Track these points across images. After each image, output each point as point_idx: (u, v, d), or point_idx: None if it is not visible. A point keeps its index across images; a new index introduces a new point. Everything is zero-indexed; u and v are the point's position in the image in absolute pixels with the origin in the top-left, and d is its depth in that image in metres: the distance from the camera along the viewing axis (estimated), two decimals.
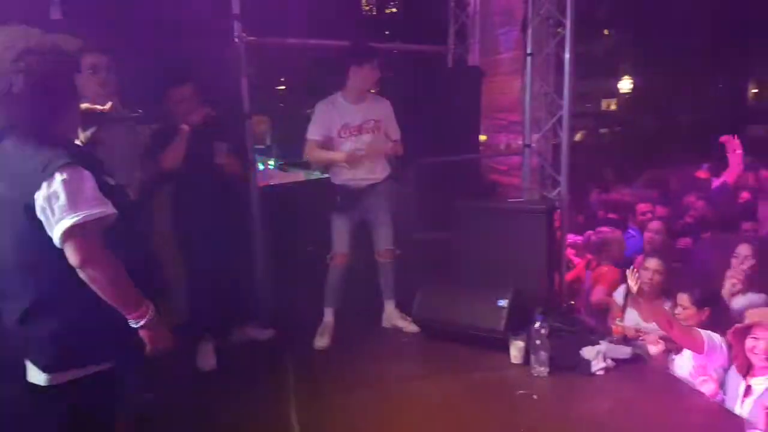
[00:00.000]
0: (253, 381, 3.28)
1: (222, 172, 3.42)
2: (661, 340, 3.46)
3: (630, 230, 5.19)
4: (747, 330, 2.88)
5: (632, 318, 3.78)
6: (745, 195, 5.79)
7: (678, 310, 3.36)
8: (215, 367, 3.45)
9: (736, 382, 2.90)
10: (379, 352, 3.65)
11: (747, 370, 2.86)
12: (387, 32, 5.42)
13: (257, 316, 3.94)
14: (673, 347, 3.39)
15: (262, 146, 5.50)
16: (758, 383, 2.79)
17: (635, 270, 3.38)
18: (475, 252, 3.94)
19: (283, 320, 3.99)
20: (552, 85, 4.27)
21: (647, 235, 4.63)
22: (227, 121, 3.60)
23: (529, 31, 4.20)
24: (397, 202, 3.92)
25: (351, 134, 3.68)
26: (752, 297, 3.47)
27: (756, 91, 25.72)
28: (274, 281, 4.20)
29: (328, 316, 3.82)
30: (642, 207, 5.40)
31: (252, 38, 4.10)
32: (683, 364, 3.26)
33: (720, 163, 7.69)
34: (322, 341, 3.71)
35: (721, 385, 3.02)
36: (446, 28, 5.37)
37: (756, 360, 2.81)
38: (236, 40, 4.00)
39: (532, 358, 3.23)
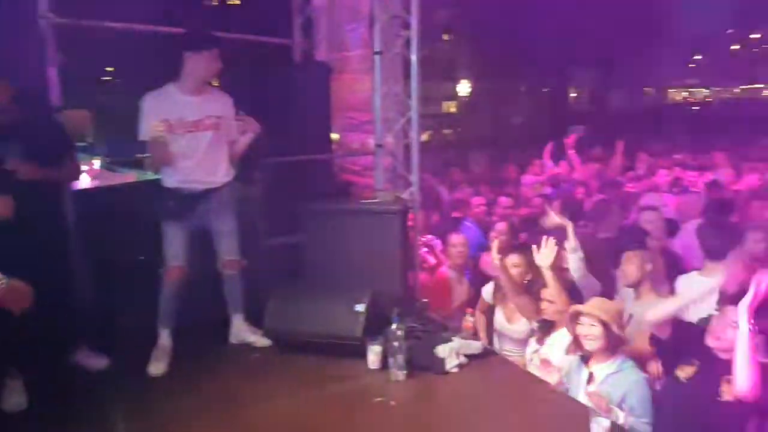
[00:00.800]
0: (74, 422, 2.79)
1: (17, 180, 2.85)
2: None
3: (465, 222, 5.39)
4: (576, 316, 3.05)
5: (498, 319, 3.86)
6: (580, 191, 6.35)
7: (544, 304, 3.44)
8: (24, 407, 2.89)
9: (579, 371, 3.06)
10: (227, 372, 3.34)
11: (587, 357, 3.04)
12: (228, 23, 5.06)
13: (85, 342, 3.38)
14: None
15: (83, 144, 4.79)
16: (599, 370, 2.97)
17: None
18: (329, 256, 3.79)
19: (116, 344, 3.47)
20: (401, 85, 4.26)
21: (493, 234, 4.84)
22: (27, 118, 3.01)
23: (377, 29, 4.14)
24: (244, 206, 3.62)
25: (186, 130, 3.29)
26: (591, 280, 3.70)
27: (575, 95, 28.97)
28: (103, 300, 3.64)
29: (164, 338, 3.40)
30: (476, 200, 5.76)
31: (63, 20, 3.51)
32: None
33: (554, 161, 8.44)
34: (157, 367, 3.29)
35: (566, 374, 3.17)
36: (291, 22, 5.15)
37: (589, 346, 2.98)
38: (40, 21, 3.39)
39: (390, 361, 3.15)
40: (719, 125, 17.54)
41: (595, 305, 3.04)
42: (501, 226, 4.59)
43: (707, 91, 44.29)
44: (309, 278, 3.84)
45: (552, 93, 28.08)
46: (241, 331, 3.64)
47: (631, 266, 3.46)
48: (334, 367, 3.29)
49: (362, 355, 3.26)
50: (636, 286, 3.45)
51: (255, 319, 3.61)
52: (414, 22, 4.02)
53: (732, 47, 42.66)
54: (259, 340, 3.58)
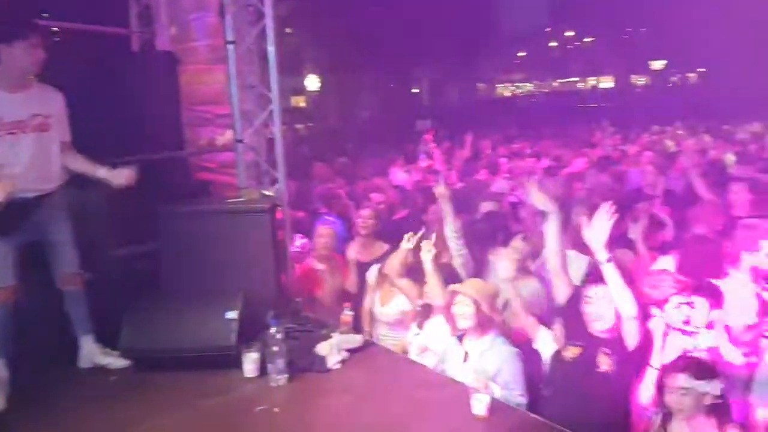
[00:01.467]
0: None
1: None
2: None
3: (327, 216, 5.35)
4: (453, 295, 3.16)
5: (374, 302, 3.89)
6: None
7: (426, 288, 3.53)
8: None
9: (455, 350, 3.16)
10: (80, 400, 2.94)
11: (462, 336, 3.16)
12: (58, 11, 4.45)
13: None
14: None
15: None
16: (473, 347, 3.10)
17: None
18: (191, 262, 3.50)
19: None
20: (258, 76, 4.06)
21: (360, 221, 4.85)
22: None
23: (228, 19, 3.90)
24: (83, 213, 3.21)
25: (7, 132, 2.88)
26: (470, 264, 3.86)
27: (417, 90, 30.29)
28: None
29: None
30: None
31: None
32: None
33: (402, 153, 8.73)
34: None
35: (443, 355, 3.27)
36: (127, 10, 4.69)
37: (462, 324, 3.10)
38: None
39: (269, 367, 3.00)
40: (544, 116, 19.49)
41: (470, 285, 3.18)
42: (366, 212, 4.59)
43: (531, 85, 49.16)
44: (170, 288, 3.51)
45: (397, 88, 29.14)
46: (92, 353, 3.24)
47: (504, 262, 3.66)
48: (207, 381, 3.04)
49: (238, 364, 3.06)
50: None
51: (111, 340, 3.22)
52: (268, 11, 3.85)
53: (550, 44, 47.73)
54: (115, 362, 3.21)
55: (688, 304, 2.88)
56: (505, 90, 47.77)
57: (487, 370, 3.01)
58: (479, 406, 2.61)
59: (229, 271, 3.40)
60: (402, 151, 9.38)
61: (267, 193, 3.98)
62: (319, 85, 25.31)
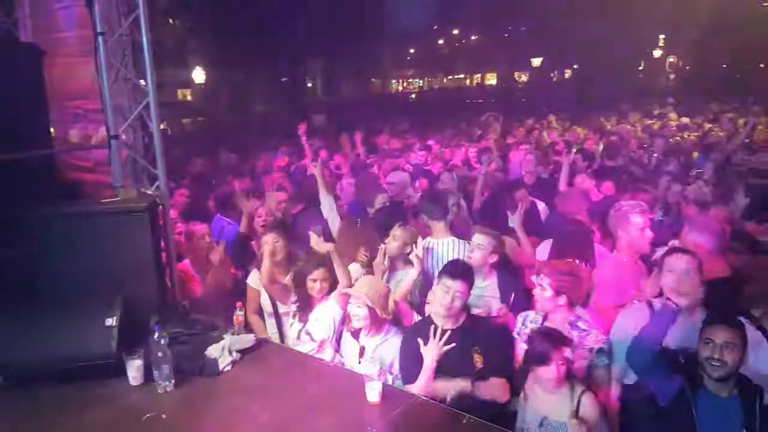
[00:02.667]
0: None
1: None
2: None
3: (224, 220, 5.24)
4: (347, 296, 3.25)
5: (265, 302, 3.90)
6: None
7: (309, 284, 3.65)
8: None
9: (351, 344, 3.22)
10: None
11: (357, 332, 3.23)
12: None
13: None
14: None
15: None
16: (368, 343, 3.18)
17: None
18: (65, 267, 3.25)
19: None
20: (132, 70, 3.84)
21: (258, 220, 4.82)
22: None
23: (97, 9, 3.66)
24: None
25: None
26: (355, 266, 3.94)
27: (311, 85, 30.00)
28: None
29: None
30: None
31: None
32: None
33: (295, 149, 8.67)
34: None
35: (339, 348, 3.32)
36: None
37: (356, 324, 3.20)
38: None
39: (155, 374, 2.87)
40: (435, 110, 20.11)
41: (362, 288, 3.24)
42: (263, 210, 4.61)
43: (422, 81, 50.52)
44: (44, 296, 3.25)
45: (290, 83, 28.74)
46: None
47: (396, 242, 3.79)
48: (90, 392, 2.86)
49: (122, 372, 2.90)
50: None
51: None
52: (141, 0, 3.65)
53: (439, 42, 49.27)
54: None
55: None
56: (398, 86, 48.73)
57: (383, 361, 3.11)
58: (372, 393, 2.68)
59: (108, 276, 3.19)
60: (295, 145, 9.28)
61: (146, 191, 3.78)
62: (207, 77, 24.30)
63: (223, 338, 3.22)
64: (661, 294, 2.99)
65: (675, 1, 31.00)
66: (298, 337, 3.56)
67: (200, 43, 22.73)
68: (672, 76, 36.35)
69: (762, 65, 32.91)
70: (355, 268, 3.79)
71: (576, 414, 2.62)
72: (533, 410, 2.77)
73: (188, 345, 3.17)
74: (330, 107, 23.64)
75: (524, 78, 45.17)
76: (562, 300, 3.12)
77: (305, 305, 3.61)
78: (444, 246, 3.97)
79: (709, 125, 11.06)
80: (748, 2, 27.18)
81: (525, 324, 3.27)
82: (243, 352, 3.22)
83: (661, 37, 37.84)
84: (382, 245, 3.78)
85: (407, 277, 3.58)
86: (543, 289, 3.14)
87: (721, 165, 6.86)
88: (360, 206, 5.34)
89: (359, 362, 3.16)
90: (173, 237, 3.93)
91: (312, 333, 3.49)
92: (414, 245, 3.77)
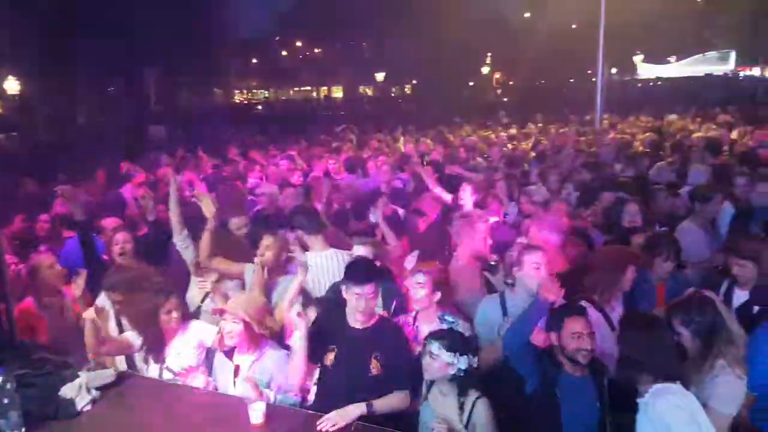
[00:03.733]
0: None
1: None
2: None
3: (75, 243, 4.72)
4: (221, 313, 3.09)
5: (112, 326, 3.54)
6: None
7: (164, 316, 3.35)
8: None
9: (224, 366, 3.07)
10: None
11: (230, 352, 3.08)
12: None
13: None
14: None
15: None
16: (243, 361, 3.05)
17: None
18: None
19: None
20: None
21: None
22: None
23: None
24: None
25: None
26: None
27: (147, 96, 28.07)
28: None
29: None
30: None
31: None
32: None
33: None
34: None
35: (210, 372, 3.14)
36: None
37: (230, 341, 3.05)
38: None
39: (2, 422, 2.49)
40: (285, 122, 19.90)
41: (238, 303, 3.11)
42: (120, 236, 4.20)
43: (267, 92, 49.88)
44: None
45: (122, 93, 26.66)
46: None
47: (269, 252, 3.68)
48: None
49: None
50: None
51: None
52: None
53: (282, 53, 49.05)
54: None
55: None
56: (241, 96, 47.58)
57: (261, 379, 3.00)
58: (256, 414, 2.58)
59: None
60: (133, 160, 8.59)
61: None
62: (23, 87, 21.61)
63: (78, 376, 2.89)
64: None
65: (495, 19, 34.33)
66: (161, 376, 3.28)
67: (13, 49, 20.17)
68: (499, 91, 40.06)
69: (572, 80, 37.50)
70: (231, 285, 3.63)
71: (468, 419, 2.73)
72: (431, 411, 2.85)
73: (37, 387, 2.79)
74: (169, 119, 22.17)
75: (369, 92, 46.74)
76: (437, 296, 3.29)
77: (159, 344, 3.34)
78: (325, 259, 3.93)
79: (537, 135, 12.31)
80: (549, 21, 30.44)
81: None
82: (103, 388, 2.91)
83: (488, 54, 41.60)
84: (257, 258, 3.66)
85: (292, 284, 3.48)
86: (421, 287, 3.26)
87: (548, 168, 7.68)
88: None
89: (234, 384, 3.01)
90: (6, 269, 3.41)
91: (174, 368, 3.26)
92: (290, 251, 3.73)
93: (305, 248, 4.02)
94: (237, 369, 3.04)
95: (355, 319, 2.95)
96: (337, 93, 47.74)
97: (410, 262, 3.82)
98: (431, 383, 2.87)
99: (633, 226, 4.41)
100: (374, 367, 2.89)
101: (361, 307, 2.89)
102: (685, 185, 6.00)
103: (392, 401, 2.86)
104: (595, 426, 2.83)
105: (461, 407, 2.74)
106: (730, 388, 2.63)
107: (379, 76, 43.61)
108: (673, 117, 13.95)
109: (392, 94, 44.53)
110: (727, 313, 2.86)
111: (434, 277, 3.32)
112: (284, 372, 3.02)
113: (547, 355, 2.92)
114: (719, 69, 38.25)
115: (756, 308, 3.34)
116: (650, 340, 2.52)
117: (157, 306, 3.32)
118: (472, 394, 2.78)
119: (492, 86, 42.22)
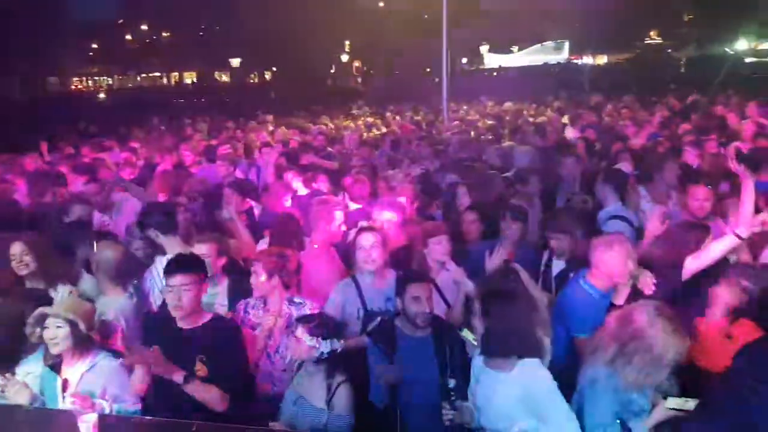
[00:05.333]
0: None
1: None
2: None
3: None
4: (42, 320, 2.85)
5: None
6: None
7: None
8: None
9: (52, 382, 2.83)
10: None
11: (59, 366, 2.86)
12: None
13: None
14: None
15: None
16: (72, 373, 2.83)
17: None
18: None
19: None
20: None
21: None
22: None
23: None
24: None
25: None
26: None
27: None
28: None
29: None
30: None
31: None
32: None
33: None
34: None
35: (41, 389, 2.88)
36: None
37: (56, 349, 2.82)
38: None
39: None
40: (131, 110, 18.39)
41: (61, 306, 2.89)
42: None
43: (111, 79, 45.79)
44: None
45: None
46: None
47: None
48: None
49: None
50: None
51: None
52: None
53: (126, 37, 45.21)
54: None
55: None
56: (81, 84, 43.30)
57: (92, 391, 2.81)
58: (86, 427, 2.42)
59: None
60: None
61: None
62: None
63: None
64: None
65: (351, 8, 34.34)
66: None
67: None
68: (359, 80, 40.40)
69: (428, 69, 38.70)
70: (63, 290, 3.34)
71: (329, 402, 2.79)
72: (293, 389, 2.90)
73: None
74: None
75: (225, 78, 44.80)
76: (275, 281, 3.34)
77: None
78: None
79: (391, 124, 12.69)
80: (401, 11, 31.10)
81: (247, 310, 3.41)
82: None
83: (347, 42, 41.72)
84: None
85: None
86: (258, 274, 3.31)
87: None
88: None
89: (63, 398, 2.79)
90: None
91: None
92: None
93: (161, 251, 3.73)
94: (65, 383, 2.81)
95: (179, 318, 2.87)
96: (190, 79, 45.12)
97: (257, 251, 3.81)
98: (300, 364, 2.94)
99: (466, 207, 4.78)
100: (199, 369, 2.82)
101: (173, 301, 2.81)
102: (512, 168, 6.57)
103: (211, 394, 2.79)
104: (435, 382, 2.91)
105: (328, 388, 2.83)
106: None
107: (235, 62, 41.97)
108: (509, 104, 15.10)
109: (251, 81, 43.08)
110: (529, 280, 3.13)
111: (271, 261, 3.36)
112: (118, 382, 2.86)
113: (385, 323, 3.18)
114: (554, 58, 41.81)
115: (572, 275, 3.78)
116: (515, 316, 2.52)
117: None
118: (339, 377, 2.86)
119: (353, 74, 42.47)
